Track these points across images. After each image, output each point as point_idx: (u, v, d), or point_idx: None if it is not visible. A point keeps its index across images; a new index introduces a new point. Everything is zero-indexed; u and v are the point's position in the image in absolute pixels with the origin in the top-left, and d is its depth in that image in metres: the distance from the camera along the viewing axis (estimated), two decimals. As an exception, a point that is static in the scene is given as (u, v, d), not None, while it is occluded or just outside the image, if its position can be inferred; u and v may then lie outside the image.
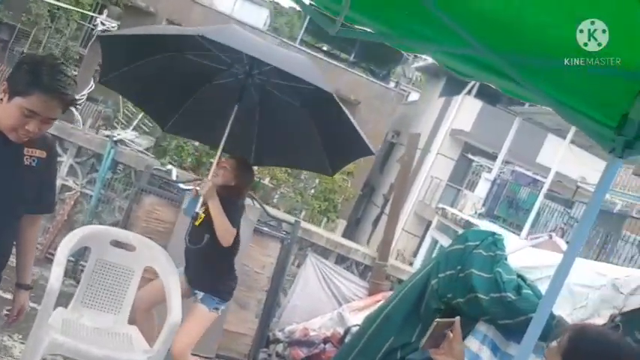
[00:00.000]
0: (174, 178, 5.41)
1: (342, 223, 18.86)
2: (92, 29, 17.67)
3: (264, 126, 4.10)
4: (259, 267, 5.14)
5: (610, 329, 2.38)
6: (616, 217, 11.68)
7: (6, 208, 2.19)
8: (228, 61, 3.80)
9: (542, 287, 2.97)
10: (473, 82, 16.99)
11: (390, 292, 4.81)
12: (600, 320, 2.67)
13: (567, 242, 4.43)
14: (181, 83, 3.97)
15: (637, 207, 13.30)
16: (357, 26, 1.92)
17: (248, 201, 4.29)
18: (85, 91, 11.79)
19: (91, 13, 17.77)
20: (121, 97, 10.19)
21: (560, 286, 1.91)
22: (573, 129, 11.43)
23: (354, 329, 4.66)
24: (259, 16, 26.34)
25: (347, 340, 4.62)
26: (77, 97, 2.18)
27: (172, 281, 3.49)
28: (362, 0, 1.83)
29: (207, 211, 3.50)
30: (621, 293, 2.70)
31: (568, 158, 13.52)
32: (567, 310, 2.81)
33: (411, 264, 14.08)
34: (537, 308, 1.95)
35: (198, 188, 3.53)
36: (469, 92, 18.36)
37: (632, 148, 1.80)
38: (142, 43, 3.58)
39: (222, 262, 3.65)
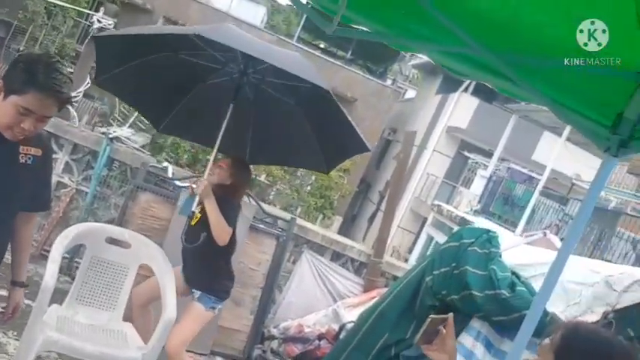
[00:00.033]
0: (170, 175, 5.40)
1: (338, 220, 18.87)
2: (89, 26, 17.61)
3: (259, 125, 4.10)
4: (255, 264, 5.15)
5: (603, 326, 2.40)
6: (610, 214, 11.72)
7: (1, 206, 2.19)
8: (222, 60, 3.79)
9: (537, 284, 2.99)
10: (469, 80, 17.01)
11: (385, 289, 4.83)
12: (593, 317, 2.69)
13: (562, 239, 4.45)
14: (176, 83, 3.96)
15: (631, 204, 13.35)
16: (353, 25, 1.92)
17: (244, 198, 4.29)
18: (82, 88, 11.76)
19: (87, 11, 17.71)
20: (116, 94, 10.15)
21: (554, 283, 1.93)
22: (569, 126, 11.46)
23: (349, 326, 4.67)
24: (256, 14, 26.29)
25: (342, 336, 4.63)
26: (73, 94, 2.18)
27: (167, 278, 3.49)
28: (358, -1, 1.83)
29: (203, 210, 3.49)
30: (614, 290, 2.72)
31: (563, 155, 13.57)
32: (561, 307, 2.82)
33: (406, 260, 14.12)
34: (531, 305, 1.97)
35: (194, 186, 3.53)
36: (466, 90, 18.38)
37: (627, 147, 1.81)
38: (135, 43, 3.57)
39: (218, 261, 3.65)
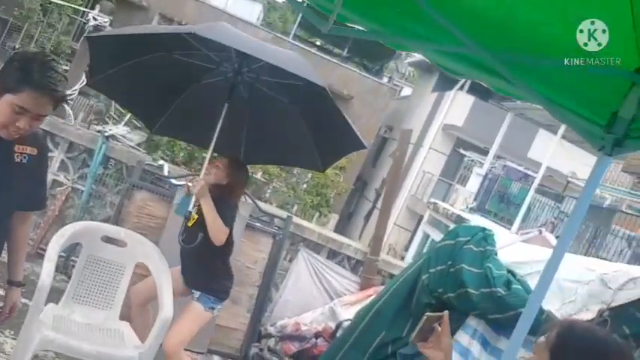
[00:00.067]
0: (165, 173, 5.40)
1: (334, 218, 18.88)
2: (85, 23, 17.52)
3: (253, 124, 4.09)
4: (251, 262, 5.15)
5: (598, 324, 2.41)
6: (606, 211, 11.76)
7: (-3, 205, 2.19)
8: (216, 59, 3.77)
9: (532, 282, 3.00)
10: (465, 78, 17.01)
11: (382, 287, 4.83)
12: (589, 315, 2.70)
13: (557, 237, 4.46)
14: (170, 84, 3.94)
15: (627, 202, 13.40)
16: (349, 24, 1.92)
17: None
18: (77, 86, 11.69)
19: (83, 8, 17.64)
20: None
21: (550, 281, 1.93)
22: (564, 124, 11.49)
23: (346, 324, 4.67)
24: (252, 11, 26.25)
25: (338, 334, 4.64)
26: (68, 92, 2.18)
27: (164, 277, 3.49)
28: (354, -2, 1.83)
29: (200, 211, 3.48)
30: (609, 288, 2.73)
31: (559, 153, 13.60)
32: (556, 305, 2.83)
33: (402, 258, 14.13)
34: (527, 303, 1.98)
35: (190, 184, 3.52)
36: (461, 87, 18.40)
37: (621, 146, 1.81)
38: (129, 43, 3.55)
39: (216, 262, 3.63)
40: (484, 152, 16.34)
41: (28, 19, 17.61)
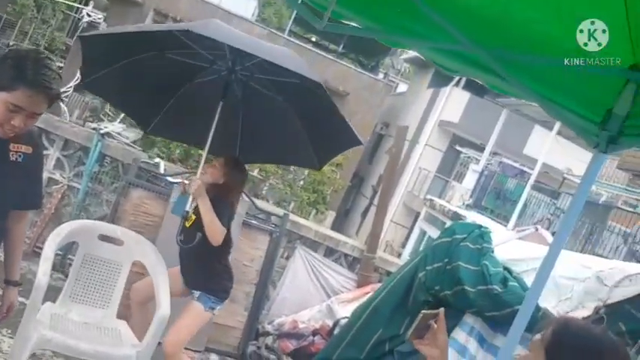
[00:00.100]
0: (162, 171, 5.38)
1: (331, 215, 18.86)
2: (79, 19, 17.46)
3: (248, 123, 4.07)
4: (248, 260, 5.15)
5: (594, 321, 2.42)
6: (602, 208, 11.81)
7: (-8, 205, 2.18)
8: (210, 58, 3.74)
9: (528, 280, 3.01)
10: (461, 74, 17.01)
11: (379, 285, 4.84)
12: (585, 312, 2.71)
13: (553, 233, 4.48)
14: (163, 83, 3.91)
15: (622, 198, 13.45)
16: (344, 21, 1.91)
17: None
18: (72, 83, 11.66)
19: (77, 4, 17.57)
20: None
21: (546, 278, 1.94)
22: (560, 121, 11.51)
23: (343, 321, 4.68)
24: (247, 6, 26.14)
25: (336, 332, 4.65)
26: (63, 89, 2.17)
27: (161, 275, 3.48)
28: (349, -5, 1.83)
29: (197, 211, 3.46)
30: (605, 285, 2.75)
31: (555, 149, 13.64)
32: (552, 302, 2.84)
33: (399, 255, 14.16)
34: (523, 300, 1.98)
35: (186, 182, 3.51)
36: (457, 84, 18.41)
37: (616, 144, 1.82)
38: (122, 42, 3.53)
39: (215, 261, 3.61)
40: (480, 149, 16.36)
41: (22, 16, 17.51)
